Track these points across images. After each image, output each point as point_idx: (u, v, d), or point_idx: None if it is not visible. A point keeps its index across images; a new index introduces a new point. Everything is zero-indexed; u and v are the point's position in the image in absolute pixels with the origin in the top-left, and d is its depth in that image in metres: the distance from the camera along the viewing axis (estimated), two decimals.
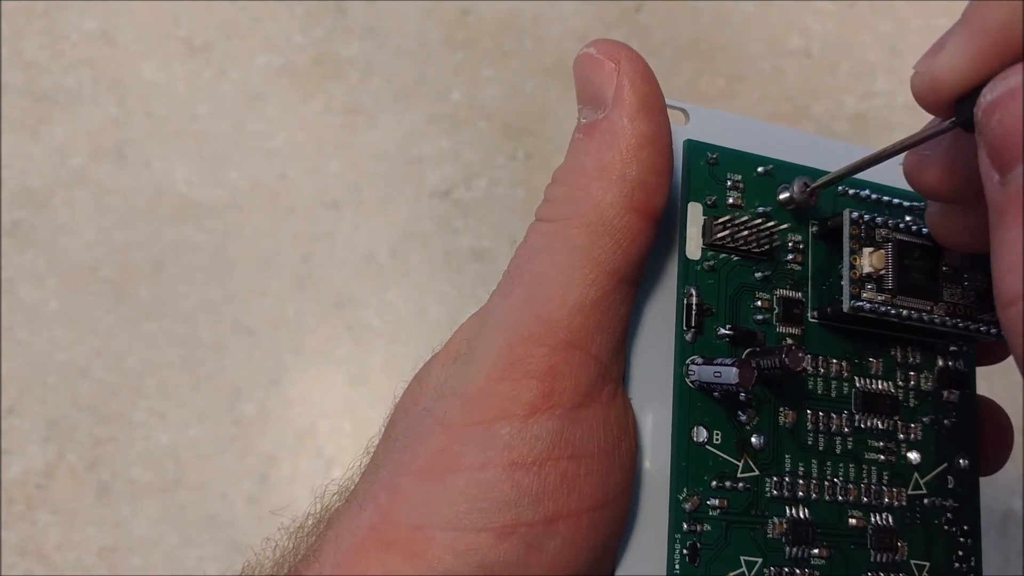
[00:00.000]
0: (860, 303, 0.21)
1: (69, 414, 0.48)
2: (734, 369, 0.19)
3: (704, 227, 0.21)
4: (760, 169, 0.22)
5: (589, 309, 0.19)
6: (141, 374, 0.49)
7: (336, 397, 0.49)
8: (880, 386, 0.23)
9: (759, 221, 0.21)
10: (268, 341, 0.49)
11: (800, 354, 0.20)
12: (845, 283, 0.21)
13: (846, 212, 0.21)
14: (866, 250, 0.21)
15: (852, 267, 0.21)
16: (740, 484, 0.21)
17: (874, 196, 0.23)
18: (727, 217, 0.21)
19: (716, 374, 0.20)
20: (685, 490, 0.20)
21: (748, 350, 0.21)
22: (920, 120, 0.54)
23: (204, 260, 0.50)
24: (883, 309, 0.21)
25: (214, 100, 0.52)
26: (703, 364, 0.20)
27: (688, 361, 0.21)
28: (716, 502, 0.20)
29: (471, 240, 0.50)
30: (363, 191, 0.51)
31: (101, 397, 0.48)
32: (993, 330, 0.22)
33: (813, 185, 0.22)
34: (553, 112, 0.51)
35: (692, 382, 0.21)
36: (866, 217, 0.21)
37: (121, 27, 0.53)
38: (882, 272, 0.21)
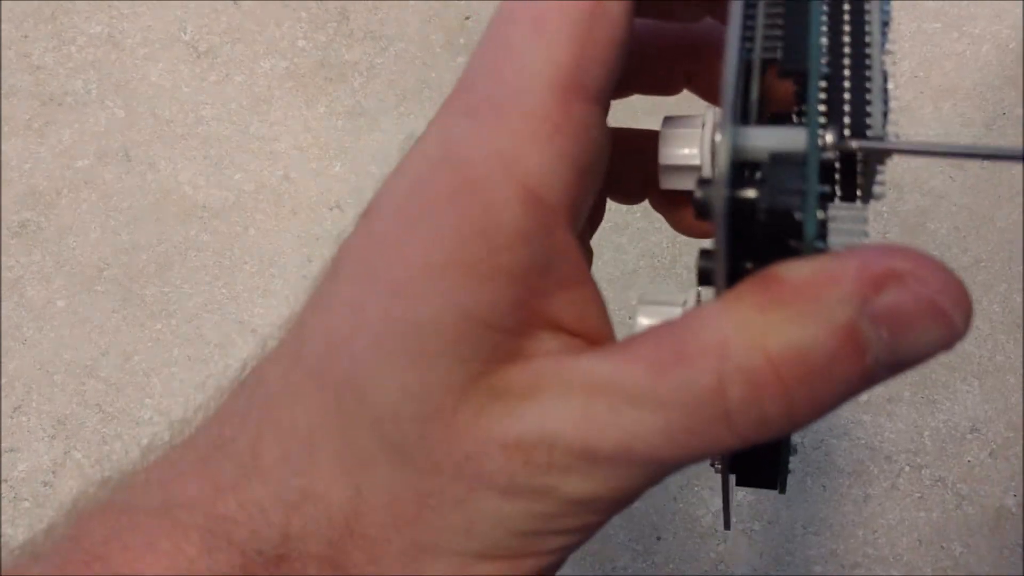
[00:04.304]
0: None
1: (76, 412, 0.49)
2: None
3: None
4: None
5: None
6: (147, 373, 0.49)
7: None
8: None
9: None
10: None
11: None
12: None
13: None
14: None
15: None
16: None
17: None
18: None
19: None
20: None
21: None
22: (912, 121, 0.54)
23: (209, 261, 0.50)
24: None
25: (219, 103, 0.52)
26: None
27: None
28: None
29: None
30: (366, 193, 0.51)
31: (107, 395, 0.49)
32: None
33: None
34: None
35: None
36: None
37: (127, 31, 0.53)
38: None
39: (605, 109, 0.18)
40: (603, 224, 0.47)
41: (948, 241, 0.47)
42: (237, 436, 0.19)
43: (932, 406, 0.46)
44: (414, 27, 0.53)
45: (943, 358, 0.47)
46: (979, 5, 0.50)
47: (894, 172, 0.48)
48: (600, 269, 0.48)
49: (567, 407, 0.17)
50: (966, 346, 0.47)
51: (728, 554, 0.44)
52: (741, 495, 0.45)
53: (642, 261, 0.47)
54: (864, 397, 0.46)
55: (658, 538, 0.44)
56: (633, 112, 0.24)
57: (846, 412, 0.46)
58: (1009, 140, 0.48)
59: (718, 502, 0.45)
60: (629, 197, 0.26)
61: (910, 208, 0.48)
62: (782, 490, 0.24)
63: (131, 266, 0.50)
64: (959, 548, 0.45)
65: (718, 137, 0.18)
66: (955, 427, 0.46)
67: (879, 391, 0.47)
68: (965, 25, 0.49)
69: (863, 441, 0.46)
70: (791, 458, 0.24)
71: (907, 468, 0.46)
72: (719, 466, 0.21)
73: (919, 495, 0.45)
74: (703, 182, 0.18)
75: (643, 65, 0.22)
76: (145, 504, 0.18)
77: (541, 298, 0.17)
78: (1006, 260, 0.47)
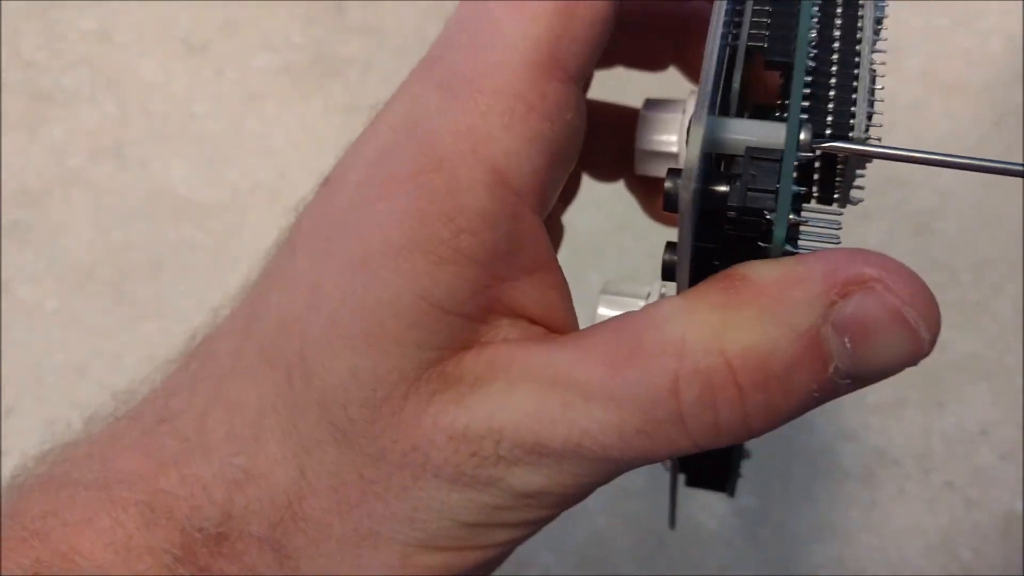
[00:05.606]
0: None
1: (67, 415, 0.48)
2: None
3: None
4: None
5: None
6: (139, 374, 0.48)
7: None
8: None
9: None
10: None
11: None
12: None
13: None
14: None
15: None
16: None
17: None
18: None
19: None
20: None
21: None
22: (920, 118, 0.54)
23: (203, 260, 0.50)
24: None
25: (213, 100, 0.52)
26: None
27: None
28: None
29: None
30: None
31: (99, 397, 0.48)
32: None
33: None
34: None
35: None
36: None
37: (120, 26, 0.53)
38: None
39: (584, 87, 0.18)
40: (605, 224, 0.46)
41: (956, 241, 0.47)
42: (183, 410, 0.18)
43: (940, 409, 0.46)
44: (412, 22, 0.52)
45: (952, 360, 0.46)
46: (988, 2, 0.49)
47: (901, 169, 0.48)
48: (603, 269, 0.47)
49: (518, 399, 0.16)
50: (975, 347, 0.46)
51: (733, 560, 0.44)
52: (745, 500, 0.45)
53: (645, 262, 0.47)
54: (871, 400, 0.46)
55: (661, 544, 0.44)
56: (616, 85, 0.22)
57: (853, 415, 0.46)
58: (1018, 138, 0.48)
59: (723, 507, 0.44)
60: (604, 175, 0.25)
61: (917, 207, 0.47)
62: (731, 494, 0.23)
63: (123, 266, 0.50)
64: (967, 553, 0.44)
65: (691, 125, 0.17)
66: (964, 430, 0.46)
67: (886, 393, 0.46)
68: (974, 21, 0.49)
69: (870, 444, 0.46)
70: (744, 463, 0.23)
71: (915, 472, 0.45)
72: (669, 464, 0.20)
73: (927, 499, 0.45)
74: (673, 172, 0.17)
75: (630, 37, 0.21)
76: (85, 478, 0.18)
77: (503, 284, 0.17)
78: (1016, 260, 0.46)
